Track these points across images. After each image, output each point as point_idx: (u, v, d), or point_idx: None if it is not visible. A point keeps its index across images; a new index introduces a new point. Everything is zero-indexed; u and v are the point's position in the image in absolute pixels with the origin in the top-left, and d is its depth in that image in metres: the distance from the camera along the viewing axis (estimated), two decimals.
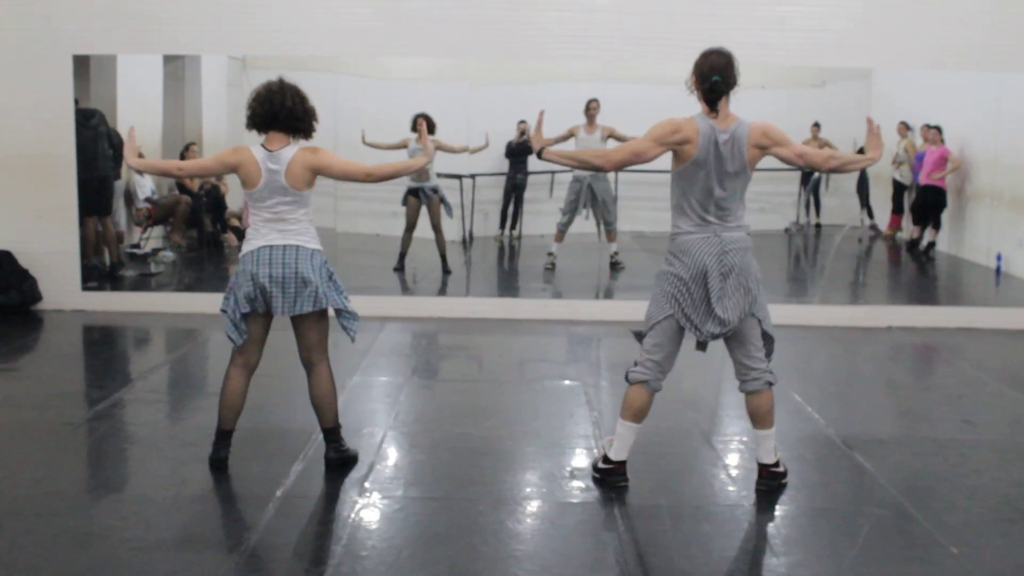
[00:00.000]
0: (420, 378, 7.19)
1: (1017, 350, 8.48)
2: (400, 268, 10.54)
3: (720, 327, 4.66)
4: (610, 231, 10.62)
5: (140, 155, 5.21)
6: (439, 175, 10.52)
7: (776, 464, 4.91)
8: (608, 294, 10.31)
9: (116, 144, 9.72)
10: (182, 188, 10.92)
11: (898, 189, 12.02)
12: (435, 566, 4.03)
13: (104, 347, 8.44)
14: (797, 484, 4.98)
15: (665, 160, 4.74)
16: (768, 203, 11.70)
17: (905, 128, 11.78)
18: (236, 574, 3.95)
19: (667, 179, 4.77)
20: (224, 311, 4.92)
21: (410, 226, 10.47)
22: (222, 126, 11.32)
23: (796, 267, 12.13)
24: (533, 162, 11.45)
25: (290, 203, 4.83)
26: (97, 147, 9.42)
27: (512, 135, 11.26)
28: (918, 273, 11.67)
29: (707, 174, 4.59)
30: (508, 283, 11.06)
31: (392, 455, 5.39)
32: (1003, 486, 5.08)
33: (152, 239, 10.86)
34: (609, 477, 4.90)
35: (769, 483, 4.88)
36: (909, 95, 11.54)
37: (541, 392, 6.83)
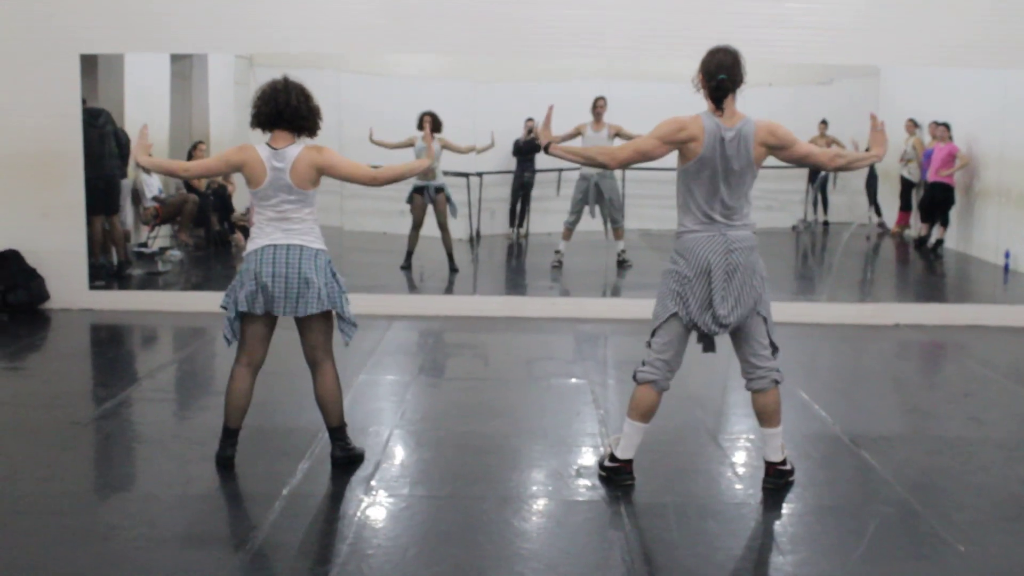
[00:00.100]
0: (427, 376, 7.19)
1: None
2: (407, 267, 10.54)
3: (721, 326, 4.65)
4: (617, 229, 10.61)
5: (149, 154, 5.19)
6: (446, 173, 10.51)
7: (783, 462, 4.90)
8: (615, 292, 10.30)
9: (123, 143, 9.73)
10: (189, 187, 10.93)
11: (906, 186, 11.98)
12: (441, 564, 4.03)
13: (111, 346, 8.46)
14: (804, 482, 4.97)
15: (672, 158, 4.72)
16: (776, 201, 11.68)
17: (913, 125, 11.74)
18: (242, 572, 3.95)
19: (674, 177, 4.76)
20: (224, 308, 4.93)
21: (416, 224, 10.47)
22: (229, 124, 11.32)
23: (803, 265, 12.11)
24: (540, 160, 11.44)
25: (294, 202, 4.82)
26: (104, 146, 9.43)
27: (519, 133, 11.25)
28: (926, 270, 11.64)
29: (712, 172, 4.58)
30: (515, 281, 11.05)
31: (398, 453, 5.39)
32: (1011, 484, 5.06)
33: (159, 238, 10.87)
34: (615, 475, 4.89)
35: (776, 481, 4.87)
36: (917, 92, 11.49)
37: (548, 390, 6.82)
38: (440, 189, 10.43)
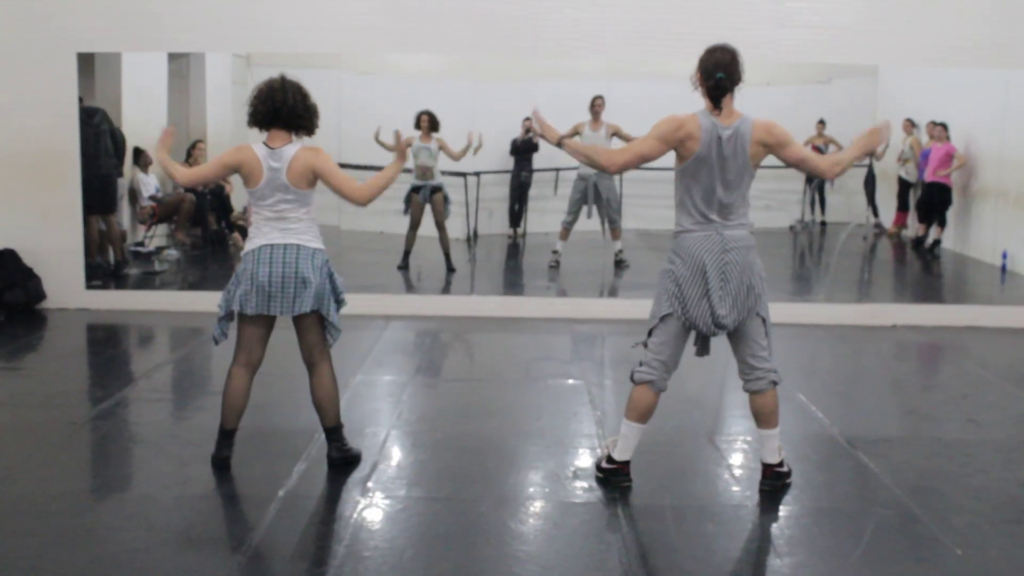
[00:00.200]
0: (424, 377, 7.18)
1: (1023, 349, 8.45)
2: (404, 266, 10.53)
3: (719, 326, 4.64)
4: (615, 229, 10.61)
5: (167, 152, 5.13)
6: (443, 173, 10.49)
7: (780, 464, 4.89)
8: (613, 292, 10.30)
9: (119, 142, 9.72)
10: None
11: (903, 187, 12.00)
12: (438, 566, 4.02)
13: (108, 346, 8.44)
14: (801, 484, 4.97)
15: (670, 158, 4.72)
16: (773, 200, 11.69)
17: (911, 125, 11.76)
18: (238, 574, 3.94)
19: (672, 177, 4.75)
20: (220, 307, 4.93)
21: (414, 224, 10.46)
22: (226, 123, 11.32)
23: (801, 265, 12.11)
24: (538, 160, 11.45)
25: (291, 201, 4.81)
26: (99, 145, 9.41)
27: (516, 132, 11.24)
28: (923, 271, 11.65)
29: (710, 171, 4.58)
30: (512, 281, 11.04)
31: (395, 454, 5.38)
32: (1009, 486, 5.06)
33: (156, 237, 10.86)
34: (613, 477, 4.88)
35: (773, 483, 4.86)
36: (915, 92, 11.52)
37: (545, 391, 6.82)
38: (438, 189, 10.41)
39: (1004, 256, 10.50)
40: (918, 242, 11.75)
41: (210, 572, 3.95)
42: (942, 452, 5.56)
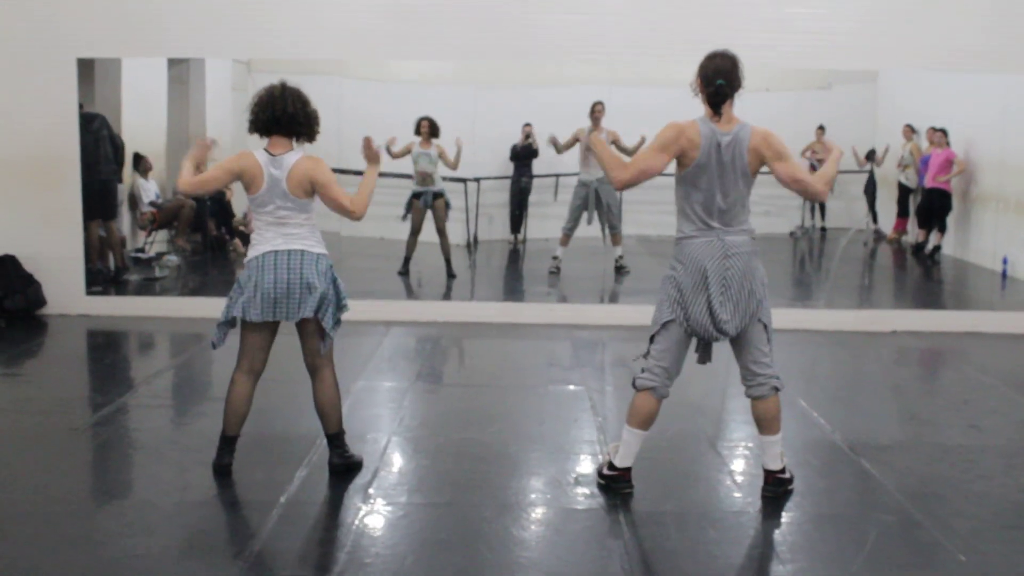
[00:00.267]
0: (424, 383, 7.17)
1: (1023, 354, 8.45)
2: (405, 272, 10.52)
3: (721, 332, 4.64)
4: (615, 235, 10.60)
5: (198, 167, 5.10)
6: (444, 179, 10.50)
7: (782, 470, 4.88)
8: (613, 298, 10.29)
9: (118, 147, 9.71)
10: None
11: (903, 192, 11.98)
12: (439, 572, 4.02)
13: (108, 352, 8.44)
14: (803, 490, 4.96)
15: (670, 164, 4.71)
16: (773, 206, 11.66)
17: (911, 131, 11.75)
18: None
19: (672, 183, 4.74)
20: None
21: (415, 230, 10.45)
22: (226, 129, 11.29)
23: (801, 271, 12.10)
24: (537, 165, 11.44)
25: (292, 208, 4.81)
26: (99, 151, 9.41)
27: (517, 138, 11.24)
28: (923, 277, 11.63)
29: (709, 177, 4.57)
30: (513, 287, 11.04)
31: (396, 461, 5.37)
32: (1011, 492, 5.05)
33: (156, 243, 10.84)
34: (614, 484, 4.88)
35: (775, 489, 4.85)
36: (915, 97, 11.50)
37: (546, 397, 6.81)
38: (439, 194, 10.41)
39: (1005, 262, 10.49)
40: (918, 248, 11.74)
41: None
42: (944, 458, 5.55)
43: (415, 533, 4.42)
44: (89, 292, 9.20)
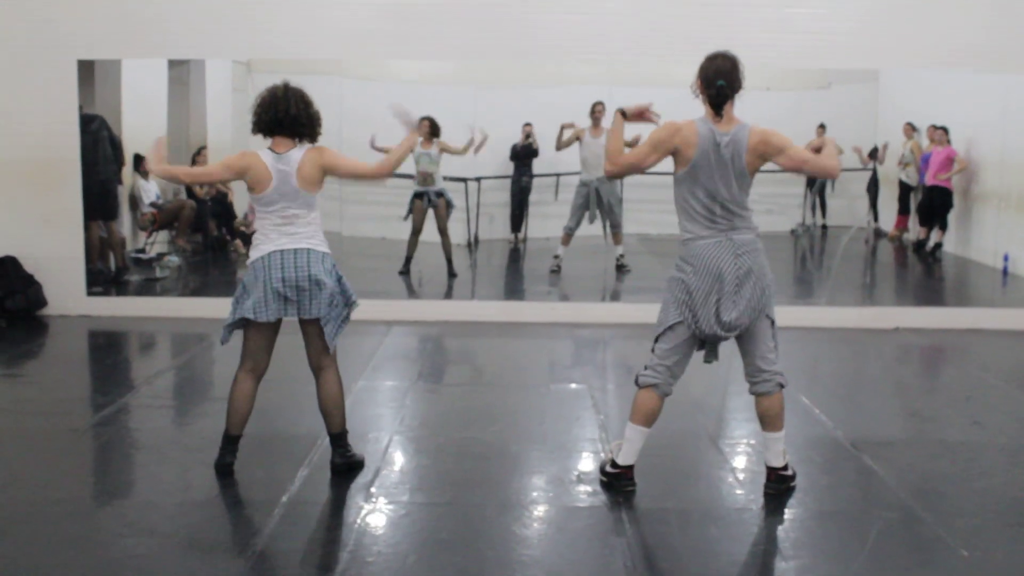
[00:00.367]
0: (426, 382, 7.17)
1: None
2: (406, 272, 10.52)
3: (728, 330, 4.63)
4: (616, 233, 10.60)
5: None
6: (444, 179, 10.50)
7: (785, 467, 4.88)
8: (614, 297, 10.28)
9: (118, 148, 9.70)
10: (189, 193, 10.91)
11: (904, 190, 11.98)
12: (442, 572, 4.01)
13: (109, 352, 8.44)
14: (805, 487, 4.96)
15: (670, 162, 4.71)
16: (775, 204, 11.67)
17: (911, 129, 11.75)
18: None
19: (672, 182, 4.74)
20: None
21: (416, 230, 10.46)
22: (227, 131, 11.30)
23: (803, 269, 12.10)
24: (538, 165, 11.45)
25: (299, 206, 4.81)
26: (97, 152, 9.40)
27: (517, 137, 11.24)
28: (925, 274, 11.64)
29: (709, 178, 4.57)
30: (514, 286, 11.04)
31: (398, 460, 5.37)
32: (1013, 489, 5.05)
33: (157, 244, 10.84)
34: (617, 481, 4.87)
35: (777, 486, 4.85)
36: (916, 96, 11.50)
37: (547, 396, 6.80)
38: (440, 194, 10.42)
39: (1006, 259, 10.49)
40: (919, 245, 11.74)
41: None
42: (946, 454, 5.55)
43: (417, 532, 4.42)
44: (90, 293, 9.21)
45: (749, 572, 4.17)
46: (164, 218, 10.83)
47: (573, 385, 7.01)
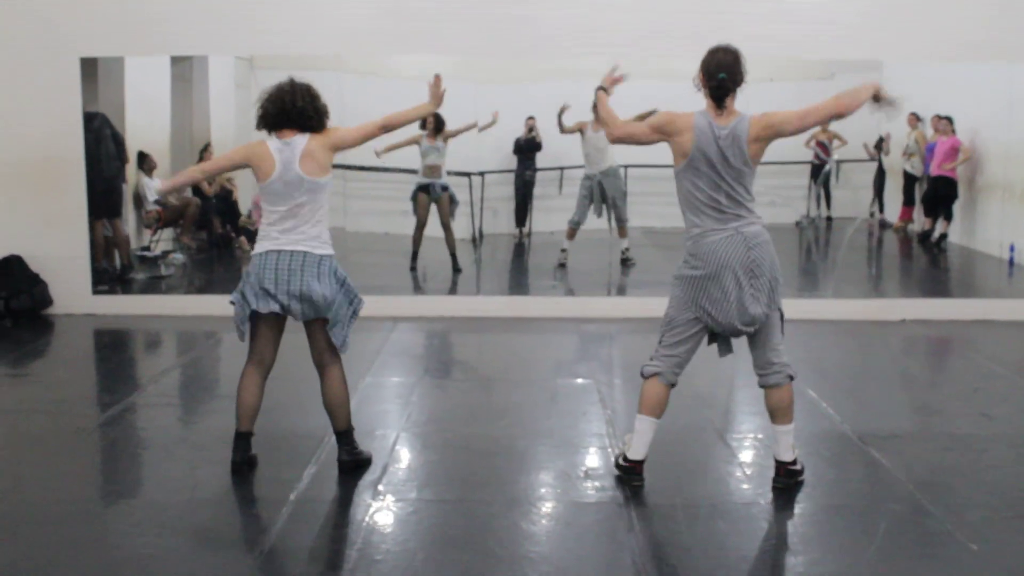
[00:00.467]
0: (432, 378, 7.17)
1: None
2: (415, 268, 10.52)
3: (749, 324, 4.62)
4: (621, 227, 10.59)
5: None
6: (448, 173, 10.49)
7: (794, 462, 4.86)
8: (620, 290, 10.28)
9: (120, 145, 9.70)
10: (195, 190, 10.92)
11: (909, 181, 11.96)
12: (450, 569, 4.01)
13: (115, 351, 8.44)
14: (813, 481, 4.94)
15: (670, 156, 4.71)
16: (779, 196, 11.65)
17: (916, 119, 11.72)
18: None
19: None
20: (233, 303, 4.91)
21: (420, 224, 10.44)
22: (230, 127, 11.31)
23: (808, 261, 12.08)
24: (541, 159, 11.43)
25: (305, 197, 4.78)
26: (101, 149, 9.40)
27: (520, 132, 11.23)
28: (930, 265, 11.61)
29: (710, 170, 4.56)
30: (518, 281, 11.03)
31: (405, 457, 5.37)
32: (1022, 481, 5.03)
33: (162, 242, 10.85)
34: (626, 475, 4.87)
35: (786, 481, 4.83)
36: (920, 86, 11.47)
37: (553, 391, 6.79)
38: (444, 188, 10.41)
39: (1012, 249, 10.47)
40: (924, 236, 11.72)
41: None
42: (954, 447, 5.53)
43: (425, 529, 4.42)
44: (95, 291, 9.20)
45: (758, 567, 4.16)
46: (169, 216, 10.84)
47: (579, 380, 7.00)
